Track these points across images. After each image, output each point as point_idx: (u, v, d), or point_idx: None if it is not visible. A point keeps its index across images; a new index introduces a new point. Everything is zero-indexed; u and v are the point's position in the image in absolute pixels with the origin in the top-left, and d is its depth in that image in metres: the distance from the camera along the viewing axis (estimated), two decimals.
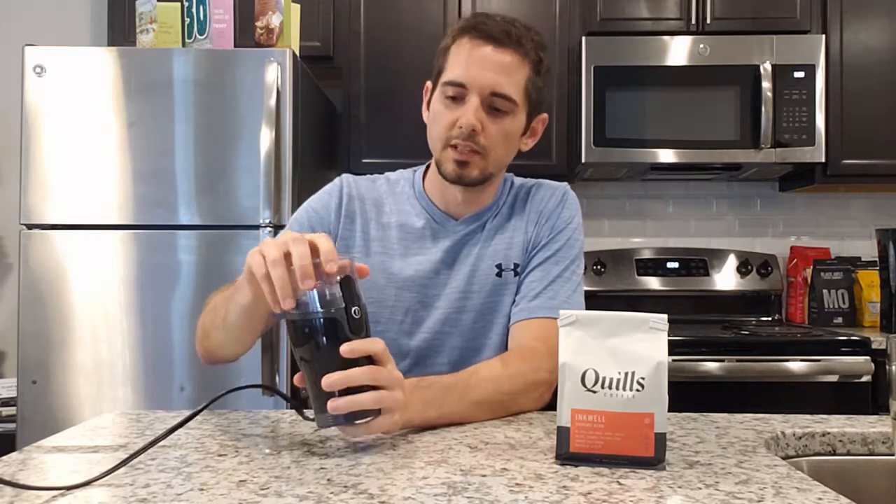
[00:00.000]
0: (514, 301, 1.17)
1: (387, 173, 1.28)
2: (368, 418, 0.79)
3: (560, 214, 1.20)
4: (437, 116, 1.12)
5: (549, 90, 1.19)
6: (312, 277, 0.76)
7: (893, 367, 0.76)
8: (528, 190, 1.24)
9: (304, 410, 0.91)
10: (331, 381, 0.76)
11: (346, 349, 0.77)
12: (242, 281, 0.88)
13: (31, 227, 2.03)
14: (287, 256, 0.77)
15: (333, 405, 0.76)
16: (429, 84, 1.17)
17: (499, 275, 1.17)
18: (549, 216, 1.20)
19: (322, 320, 0.78)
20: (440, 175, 1.15)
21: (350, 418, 0.78)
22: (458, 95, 1.09)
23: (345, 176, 1.25)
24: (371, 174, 1.27)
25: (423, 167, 1.25)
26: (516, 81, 1.09)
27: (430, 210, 1.20)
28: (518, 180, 1.26)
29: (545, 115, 1.20)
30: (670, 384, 0.73)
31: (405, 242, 1.19)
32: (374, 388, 0.79)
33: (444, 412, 0.92)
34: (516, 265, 1.18)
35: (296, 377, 0.83)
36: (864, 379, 2.12)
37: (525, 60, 1.10)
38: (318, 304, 0.77)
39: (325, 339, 0.78)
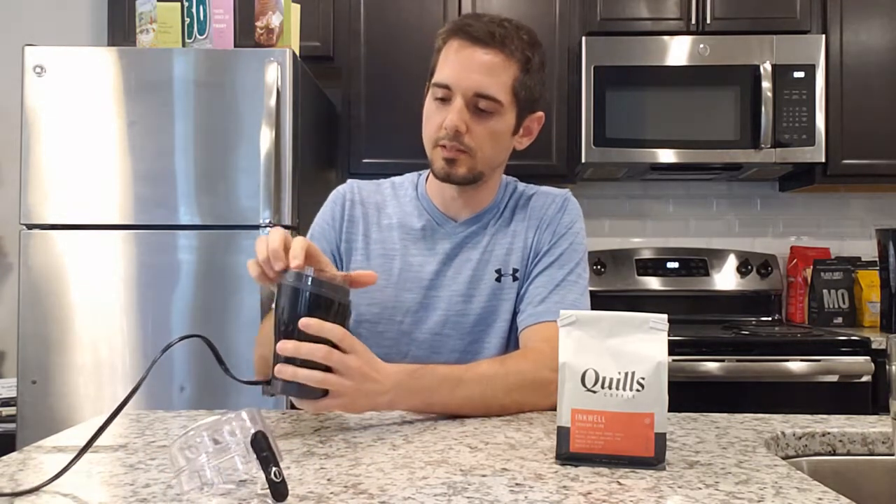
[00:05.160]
0: (516, 307, 1.17)
1: (393, 177, 1.31)
2: (316, 397, 0.84)
3: (561, 220, 1.20)
4: (428, 117, 1.15)
5: (545, 88, 1.19)
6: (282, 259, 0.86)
7: (893, 367, 0.76)
8: (530, 196, 1.24)
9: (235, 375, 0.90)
10: (283, 346, 0.82)
11: (304, 323, 0.81)
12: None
13: (31, 227, 2.03)
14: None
15: (278, 369, 0.82)
16: (427, 83, 1.19)
17: (498, 279, 1.18)
18: (549, 222, 1.20)
19: (298, 292, 0.83)
20: (432, 174, 1.18)
21: (300, 393, 0.83)
22: (445, 97, 1.11)
23: (350, 181, 1.29)
24: (371, 174, 1.28)
25: (427, 170, 1.26)
26: (501, 82, 1.10)
27: (431, 211, 1.22)
28: (521, 185, 1.27)
29: (541, 114, 1.20)
30: (670, 384, 0.73)
31: (405, 243, 1.21)
32: (329, 370, 0.83)
33: (432, 402, 0.95)
34: (515, 270, 1.18)
35: None
36: (864, 379, 2.12)
37: (511, 60, 1.10)
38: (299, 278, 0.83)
39: (294, 308, 0.82)
